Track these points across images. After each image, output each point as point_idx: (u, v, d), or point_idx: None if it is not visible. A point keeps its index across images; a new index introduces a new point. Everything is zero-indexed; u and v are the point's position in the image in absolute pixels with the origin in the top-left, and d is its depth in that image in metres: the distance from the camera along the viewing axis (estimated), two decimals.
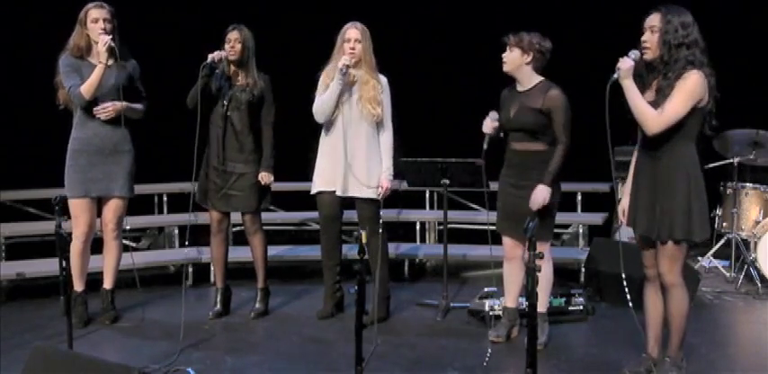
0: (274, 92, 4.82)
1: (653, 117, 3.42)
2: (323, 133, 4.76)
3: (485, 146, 4.34)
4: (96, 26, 4.44)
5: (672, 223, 3.49)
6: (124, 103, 4.52)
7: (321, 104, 4.62)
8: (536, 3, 6.99)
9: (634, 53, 3.49)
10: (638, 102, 3.44)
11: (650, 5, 3.54)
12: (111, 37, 4.40)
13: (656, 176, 3.54)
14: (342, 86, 4.55)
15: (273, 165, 4.79)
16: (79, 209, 4.54)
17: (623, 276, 3.72)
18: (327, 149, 4.72)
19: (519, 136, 4.25)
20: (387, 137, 4.72)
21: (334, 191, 4.70)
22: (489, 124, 4.33)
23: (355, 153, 4.66)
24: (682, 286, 3.61)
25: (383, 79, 4.70)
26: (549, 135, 4.20)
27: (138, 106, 4.64)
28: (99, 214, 4.69)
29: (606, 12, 6.75)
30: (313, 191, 4.79)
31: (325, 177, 4.73)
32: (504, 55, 4.27)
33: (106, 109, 4.49)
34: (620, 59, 3.47)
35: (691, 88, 3.39)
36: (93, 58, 4.52)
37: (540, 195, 4.16)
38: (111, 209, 4.66)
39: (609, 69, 3.82)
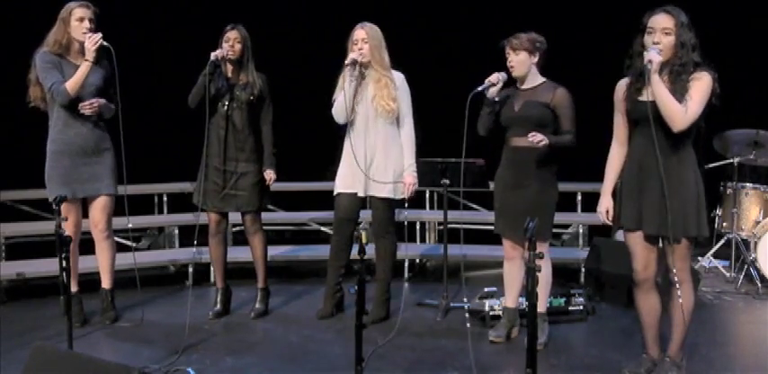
0: (272, 91, 4.83)
1: (681, 113, 3.44)
2: (345, 136, 4.75)
3: (479, 89, 4.19)
4: (81, 25, 4.42)
5: (686, 220, 3.53)
6: (103, 101, 4.49)
7: (337, 105, 4.65)
8: (524, 4, 6.99)
9: (655, 49, 3.47)
10: (666, 97, 3.44)
11: (641, 6, 3.55)
12: (101, 35, 4.38)
13: (668, 175, 3.54)
14: (354, 82, 4.57)
15: (275, 164, 4.79)
16: (65, 210, 4.42)
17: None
18: (348, 150, 4.72)
19: (522, 131, 4.22)
20: (406, 133, 4.68)
21: (355, 193, 4.71)
22: (496, 77, 4.25)
23: (375, 151, 4.66)
24: (690, 282, 3.67)
25: (399, 76, 4.68)
26: (551, 132, 4.19)
27: (112, 105, 4.60)
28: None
29: (605, 12, 6.75)
30: (334, 193, 4.80)
31: (346, 179, 4.73)
32: (510, 60, 4.26)
33: (92, 104, 4.45)
34: (646, 54, 3.45)
35: (706, 89, 3.46)
36: (72, 57, 4.48)
37: (541, 136, 4.04)
38: (99, 208, 4.61)
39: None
